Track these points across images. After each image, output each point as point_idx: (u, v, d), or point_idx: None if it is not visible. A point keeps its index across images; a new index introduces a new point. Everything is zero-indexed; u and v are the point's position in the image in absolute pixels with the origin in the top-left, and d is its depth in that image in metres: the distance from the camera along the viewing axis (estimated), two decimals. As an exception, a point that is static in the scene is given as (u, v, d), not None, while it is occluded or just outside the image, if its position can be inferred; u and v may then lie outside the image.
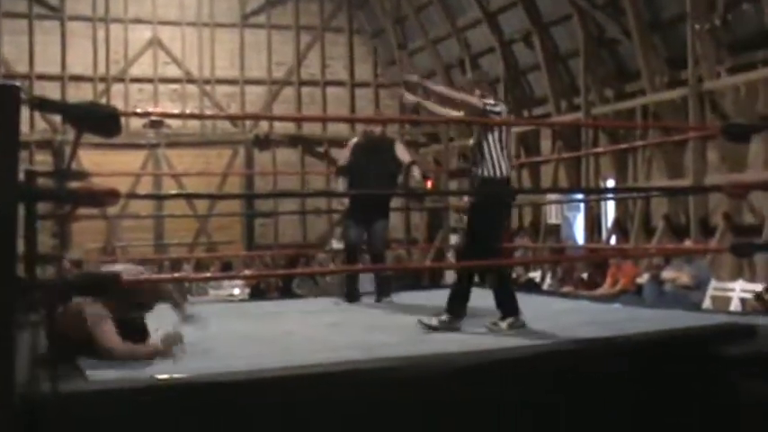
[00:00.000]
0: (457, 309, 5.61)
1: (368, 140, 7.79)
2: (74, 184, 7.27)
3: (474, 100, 5.73)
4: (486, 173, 5.67)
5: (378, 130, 7.80)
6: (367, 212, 7.54)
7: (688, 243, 11.38)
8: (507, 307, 5.60)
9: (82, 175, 8.61)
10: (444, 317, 5.56)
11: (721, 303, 10.29)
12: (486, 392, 3.92)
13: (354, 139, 8.05)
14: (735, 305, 10.23)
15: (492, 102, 5.82)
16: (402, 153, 7.61)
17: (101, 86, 18.91)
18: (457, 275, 5.95)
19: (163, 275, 4.85)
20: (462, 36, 17.80)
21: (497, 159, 5.67)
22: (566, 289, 11.73)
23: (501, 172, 5.68)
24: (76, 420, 3.31)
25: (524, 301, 6.90)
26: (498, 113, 5.79)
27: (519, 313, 5.57)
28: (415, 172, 7.42)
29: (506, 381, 4.01)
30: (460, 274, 5.88)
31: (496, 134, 5.68)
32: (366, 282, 8.31)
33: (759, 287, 9.92)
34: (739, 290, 10.49)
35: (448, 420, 3.83)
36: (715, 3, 11.79)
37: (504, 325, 5.48)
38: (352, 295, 7.68)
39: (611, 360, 4.34)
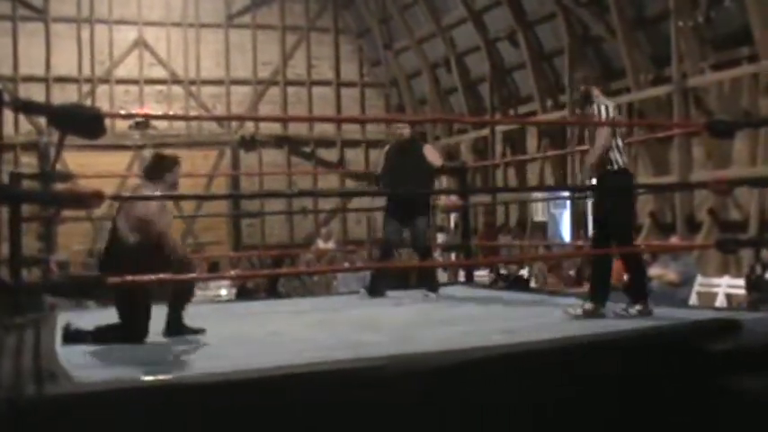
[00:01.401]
0: (600, 296, 5.77)
1: (399, 143, 8.15)
2: (59, 186, 7.27)
3: (606, 132, 5.78)
4: (615, 165, 5.84)
5: (407, 132, 8.09)
6: (406, 211, 7.84)
7: (674, 240, 11.41)
8: (638, 293, 5.80)
9: (67, 176, 8.60)
10: (588, 305, 5.70)
11: (707, 299, 10.34)
12: (471, 392, 3.92)
13: (387, 146, 8.49)
14: (721, 301, 10.27)
15: (606, 101, 6.00)
16: (432, 156, 7.99)
17: (86, 88, 18.84)
18: (596, 264, 6.13)
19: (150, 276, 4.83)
20: (448, 35, 17.82)
21: (621, 150, 5.86)
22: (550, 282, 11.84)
23: (625, 162, 5.91)
24: (62, 423, 3.29)
25: (513, 298, 6.94)
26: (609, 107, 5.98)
27: (648, 300, 5.75)
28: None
29: (492, 379, 4.01)
30: (600, 263, 6.06)
31: (618, 129, 5.91)
32: (353, 281, 8.30)
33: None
34: (725, 285, 10.54)
35: (434, 420, 3.83)
36: (698, 0, 11.84)
37: (633, 310, 5.67)
38: (375, 290, 7.82)
39: (599, 357, 4.35)
